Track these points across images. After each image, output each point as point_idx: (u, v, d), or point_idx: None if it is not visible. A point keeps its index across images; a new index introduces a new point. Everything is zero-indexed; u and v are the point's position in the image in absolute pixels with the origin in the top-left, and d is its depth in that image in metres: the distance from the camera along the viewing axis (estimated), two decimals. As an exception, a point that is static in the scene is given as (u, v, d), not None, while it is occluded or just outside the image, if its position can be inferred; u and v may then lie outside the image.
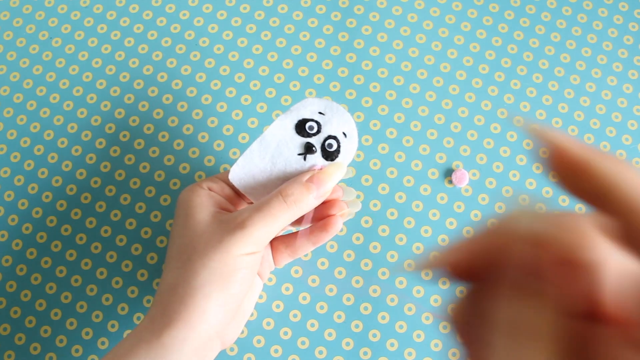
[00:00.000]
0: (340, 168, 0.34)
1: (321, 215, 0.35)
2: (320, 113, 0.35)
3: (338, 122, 0.35)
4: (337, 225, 0.35)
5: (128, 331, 0.39)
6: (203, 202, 0.34)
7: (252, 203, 0.35)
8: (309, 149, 0.35)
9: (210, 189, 0.35)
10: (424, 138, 0.42)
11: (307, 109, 0.35)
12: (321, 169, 0.34)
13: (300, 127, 0.35)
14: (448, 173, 0.42)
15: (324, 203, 0.35)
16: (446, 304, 0.32)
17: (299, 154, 0.35)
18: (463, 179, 0.42)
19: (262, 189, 0.35)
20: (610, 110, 0.44)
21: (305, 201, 0.33)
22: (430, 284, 0.40)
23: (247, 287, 0.33)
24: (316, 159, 0.35)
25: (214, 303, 0.31)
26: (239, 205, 0.36)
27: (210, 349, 0.32)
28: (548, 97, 0.44)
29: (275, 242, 0.37)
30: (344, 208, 0.36)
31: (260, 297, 0.40)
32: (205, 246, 0.31)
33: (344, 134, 0.35)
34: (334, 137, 0.35)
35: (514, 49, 0.45)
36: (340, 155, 0.35)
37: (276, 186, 0.34)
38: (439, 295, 0.40)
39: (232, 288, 0.31)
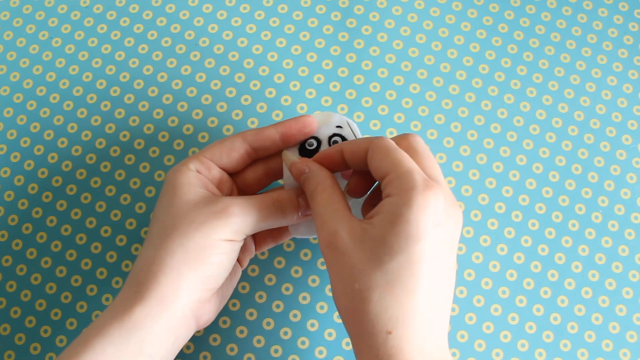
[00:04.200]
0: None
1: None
2: (338, 127, 0.36)
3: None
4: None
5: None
6: (190, 183, 0.33)
7: (236, 186, 0.36)
8: None
9: (198, 171, 0.34)
10: (423, 138, 0.42)
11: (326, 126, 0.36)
12: None
13: (302, 143, 0.36)
14: (448, 173, 0.42)
15: None
16: None
17: None
18: None
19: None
20: (610, 110, 0.44)
21: (292, 215, 0.34)
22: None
23: (225, 272, 0.33)
24: None
25: (187, 282, 0.31)
26: (224, 188, 0.36)
27: (185, 328, 0.32)
28: (548, 97, 0.44)
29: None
30: None
31: (260, 297, 0.40)
32: (188, 226, 0.31)
33: None
34: None
35: (514, 49, 0.45)
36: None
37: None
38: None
39: (207, 270, 0.32)
